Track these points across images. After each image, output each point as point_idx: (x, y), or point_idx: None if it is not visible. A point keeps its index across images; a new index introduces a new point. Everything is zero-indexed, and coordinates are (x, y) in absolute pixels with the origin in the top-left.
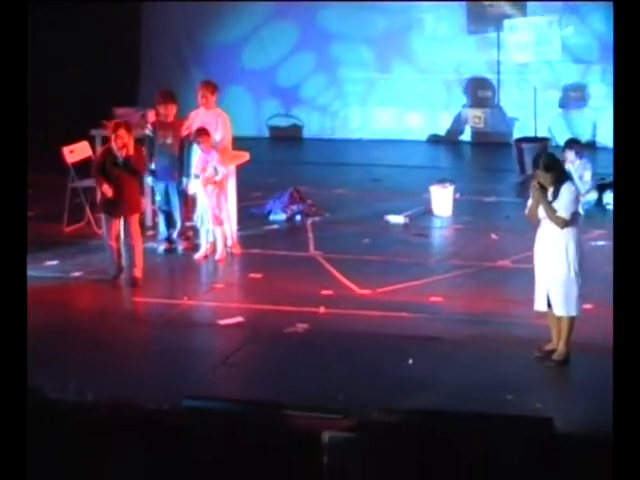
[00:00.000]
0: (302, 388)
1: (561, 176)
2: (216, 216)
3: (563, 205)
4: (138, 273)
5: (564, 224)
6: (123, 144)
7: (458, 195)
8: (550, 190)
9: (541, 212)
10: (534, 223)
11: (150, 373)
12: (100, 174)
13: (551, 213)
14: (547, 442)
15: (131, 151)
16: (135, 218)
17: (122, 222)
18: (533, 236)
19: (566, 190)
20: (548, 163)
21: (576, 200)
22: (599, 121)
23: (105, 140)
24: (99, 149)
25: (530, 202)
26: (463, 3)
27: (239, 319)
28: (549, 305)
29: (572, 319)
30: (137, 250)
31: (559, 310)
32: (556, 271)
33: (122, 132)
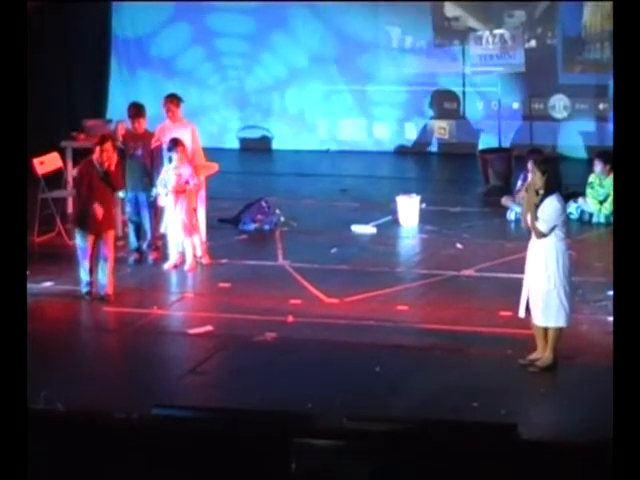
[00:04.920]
0: (271, 395)
1: (552, 185)
2: (186, 226)
3: (543, 217)
4: (109, 290)
5: (539, 235)
6: (108, 157)
7: (424, 205)
8: (540, 194)
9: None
10: (527, 227)
11: (120, 382)
12: (84, 189)
13: (532, 220)
14: (511, 448)
15: (113, 166)
16: (110, 235)
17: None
18: (497, 246)
19: (550, 203)
20: (543, 164)
21: (559, 215)
22: (560, 132)
23: (76, 152)
24: (80, 163)
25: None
26: (429, 16)
27: (208, 328)
28: (529, 313)
29: (557, 330)
30: (109, 267)
31: (538, 320)
32: (536, 282)
33: (109, 145)
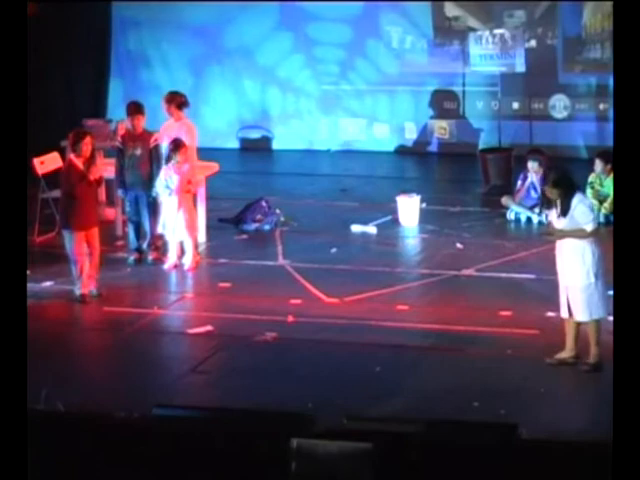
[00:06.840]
0: (271, 395)
1: (569, 190)
2: (188, 226)
3: (585, 219)
4: (92, 285)
5: (594, 233)
6: (90, 152)
7: (424, 205)
8: (558, 203)
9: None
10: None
11: (120, 382)
12: (67, 189)
13: (578, 234)
14: (511, 448)
15: (93, 158)
16: (95, 231)
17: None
18: (497, 246)
19: (578, 202)
20: (554, 179)
21: (592, 208)
22: (561, 132)
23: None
24: (63, 164)
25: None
26: (429, 16)
27: (208, 328)
28: (570, 313)
29: (598, 322)
30: (97, 263)
31: (581, 316)
32: (575, 278)
33: (88, 139)
